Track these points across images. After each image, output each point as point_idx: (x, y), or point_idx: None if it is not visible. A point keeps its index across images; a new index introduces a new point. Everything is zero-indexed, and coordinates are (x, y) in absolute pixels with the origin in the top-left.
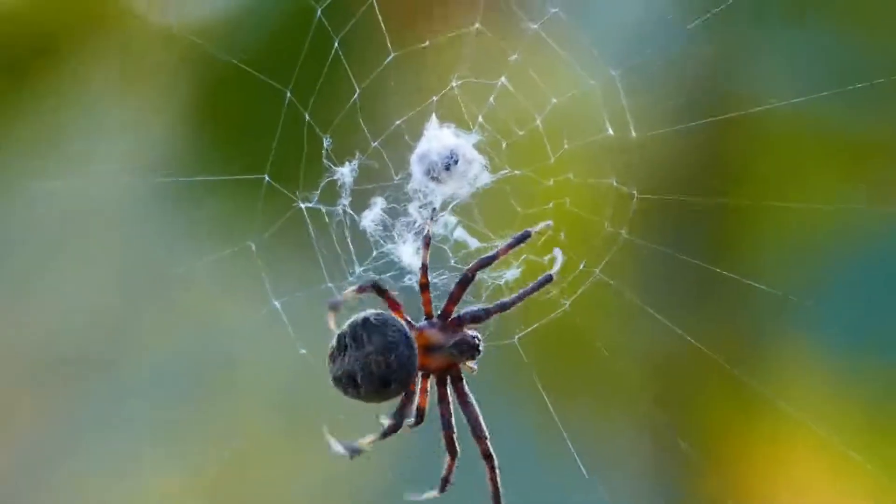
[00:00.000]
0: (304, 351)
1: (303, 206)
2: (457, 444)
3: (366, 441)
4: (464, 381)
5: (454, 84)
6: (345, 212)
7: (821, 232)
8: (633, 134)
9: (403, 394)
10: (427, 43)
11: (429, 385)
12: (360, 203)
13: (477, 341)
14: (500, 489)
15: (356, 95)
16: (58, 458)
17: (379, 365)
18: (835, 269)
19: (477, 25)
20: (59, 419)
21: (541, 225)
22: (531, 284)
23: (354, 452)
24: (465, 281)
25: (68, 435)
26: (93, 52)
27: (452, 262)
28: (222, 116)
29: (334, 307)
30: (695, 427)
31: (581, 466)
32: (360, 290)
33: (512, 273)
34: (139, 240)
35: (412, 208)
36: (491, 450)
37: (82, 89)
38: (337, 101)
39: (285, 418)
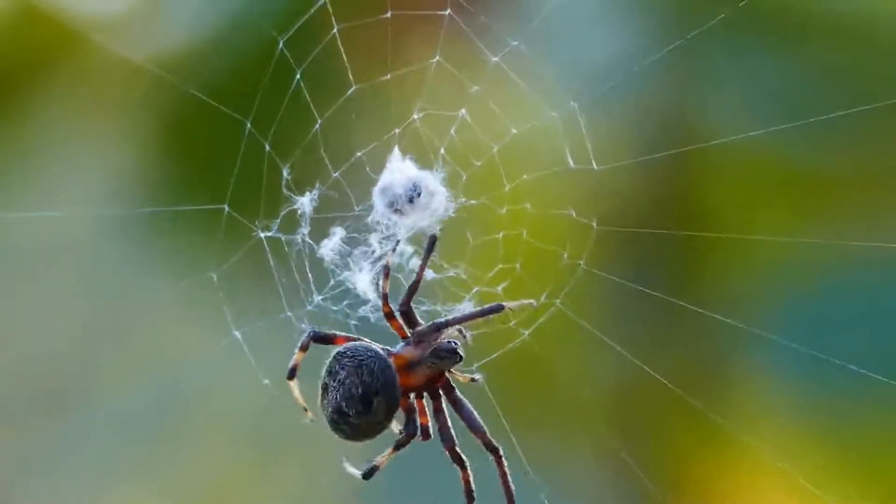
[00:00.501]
0: (266, 381)
1: (262, 235)
2: (462, 455)
3: (382, 458)
4: (455, 390)
5: (416, 116)
6: (304, 241)
7: (780, 264)
8: (594, 166)
9: (402, 410)
10: (389, 76)
11: (425, 404)
12: (321, 233)
13: (453, 345)
14: (511, 482)
15: (317, 126)
16: (21, 495)
17: (355, 385)
18: (793, 301)
19: (437, 58)
20: (22, 455)
21: (519, 303)
22: (482, 308)
23: (371, 471)
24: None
25: (31, 472)
26: (56, 85)
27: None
28: (184, 148)
29: (291, 376)
30: (655, 458)
31: (543, 499)
32: (304, 348)
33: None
34: (101, 272)
35: (373, 238)
36: (493, 441)
37: (44, 123)
38: (298, 133)
39: (252, 448)
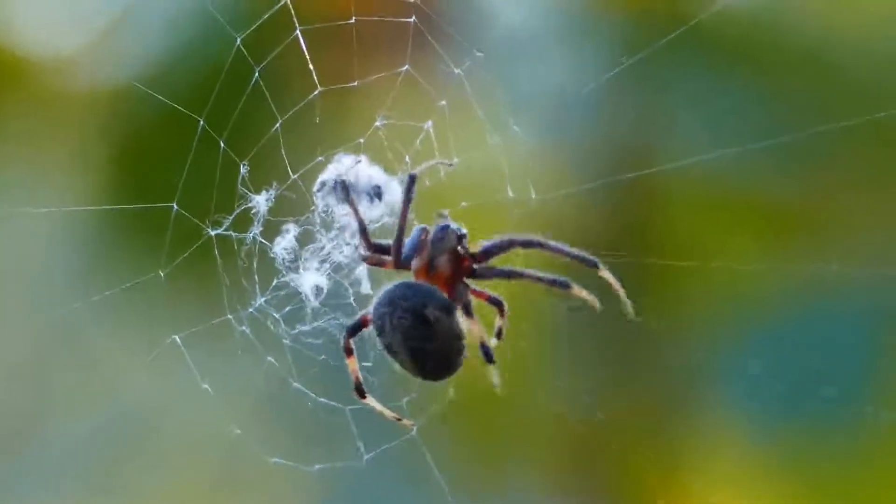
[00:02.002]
0: (206, 385)
1: (212, 233)
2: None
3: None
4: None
5: (378, 123)
6: (255, 239)
7: (739, 292)
8: (533, 195)
9: (461, 308)
10: (356, 82)
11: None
12: (277, 233)
13: (442, 226)
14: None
15: (277, 126)
16: None
17: (404, 318)
18: (751, 333)
19: (406, 67)
20: None
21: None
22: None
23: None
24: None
25: None
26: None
27: (351, 299)
28: (137, 148)
29: (361, 393)
30: (615, 491)
31: None
32: (350, 352)
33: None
34: (40, 276)
35: (324, 238)
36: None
37: None
38: (258, 134)
39: (200, 459)
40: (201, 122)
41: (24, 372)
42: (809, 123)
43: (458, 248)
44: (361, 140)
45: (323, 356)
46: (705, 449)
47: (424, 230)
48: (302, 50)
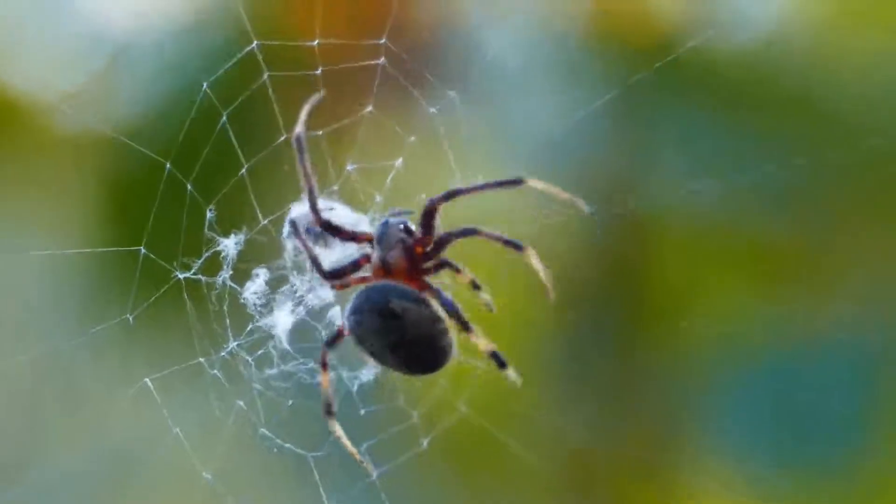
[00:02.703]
0: (177, 430)
1: (181, 276)
2: (467, 320)
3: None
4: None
5: (349, 168)
6: (225, 283)
7: (728, 334)
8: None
9: (429, 295)
10: (321, 132)
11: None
12: (247, 277)
13: (387, 220)
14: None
15: (243, 171)
16: None
17: (372, 321)
18: (744, 371)
19: (370, 108)
20: None
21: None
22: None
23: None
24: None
25: None
26: None
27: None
28: (107, 190)
29: (329, 412)
30: None
31: None
32: (325, 366)
33: (367, 373)
34: (11, 320)
35: (296, 279)
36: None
37: None
38: (227, 179)
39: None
40: (167, 166)
41: (5, 409)
42: (800, 162)
43: (404, 237)
44: (335, 187)
45: (291, 401)
46: (698, 488)
47: (361, 233)
48: (269, 96)
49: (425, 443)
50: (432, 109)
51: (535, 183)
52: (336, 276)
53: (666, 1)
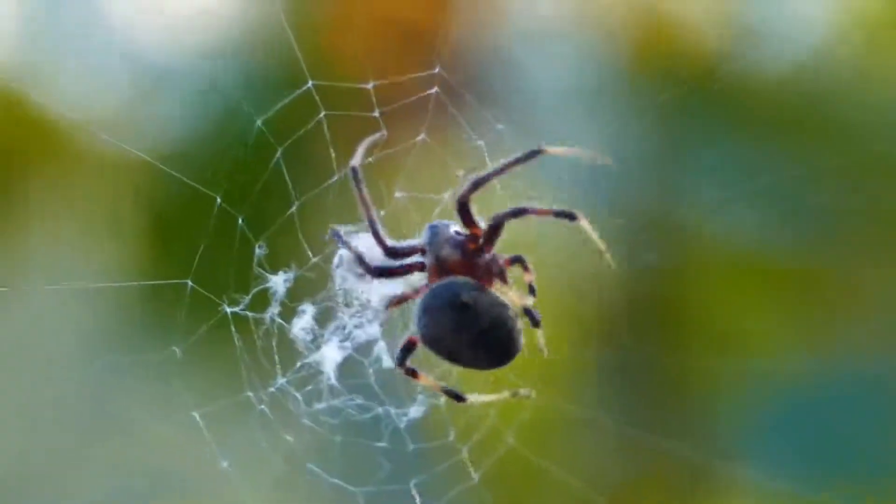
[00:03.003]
0: (225, 463)
1: (228, 311)
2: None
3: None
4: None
5: (397, 195)
6: (273, 320)
7: (767, 368)
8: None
9: (500, 283)
10: (371, 159)
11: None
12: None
13: (434, 225)
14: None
15: (293, 208)
16: None
17: (445, 317)
18: (780, 407)
19: (422, 136)
20: None
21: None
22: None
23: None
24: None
25: None
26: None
27: (372, 380)
28: (155, 221)
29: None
30: None
31: None
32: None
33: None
34: (62, 349)
35: (345, 314)
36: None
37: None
38: (275, 214)
39: None
40: (218, 200)
41: (51, 438)
42: (836, 193)
43: (455, 236)
44: (382, 212)
45: (339, 437)
46: None
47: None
48: (324, 133)
49: (476, 477)
50: (480, 142)
51: (553, 149)
52: (384, 274)
53: (704, 28)
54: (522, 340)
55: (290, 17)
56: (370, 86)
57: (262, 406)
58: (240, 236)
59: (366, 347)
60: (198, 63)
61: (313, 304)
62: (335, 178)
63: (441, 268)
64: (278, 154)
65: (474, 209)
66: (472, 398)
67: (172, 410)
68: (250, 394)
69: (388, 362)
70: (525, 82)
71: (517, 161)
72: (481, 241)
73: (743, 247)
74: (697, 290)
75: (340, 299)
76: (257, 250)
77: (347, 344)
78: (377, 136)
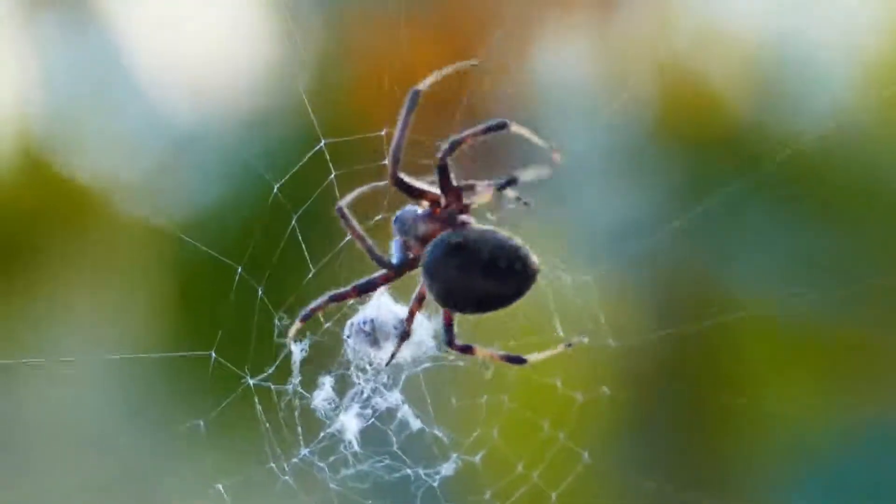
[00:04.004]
0: None
1: (251, 382)
2: None
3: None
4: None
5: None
6: (295, 391)
7: (802, 434)
8: (611, 342)
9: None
10: (380, 217)
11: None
12: (310, 377)
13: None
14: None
15: (309, 275)
16: None
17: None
18: (814, 472)
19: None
20: None
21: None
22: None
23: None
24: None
25: None
26: (58, 243)
27: (396, 447)
28: (177, 291)
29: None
30: None
31: None
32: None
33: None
34: (85, 422)
35: (360, 380)
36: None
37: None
38: (293, 281)
39: None
40: (239, 270)
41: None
42: (876, 265)
43: (418, 212)
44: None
45: (370, 501)
46: None
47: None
48: (335, 194)
49: None
50: (511, 205)
51: (516, 128)
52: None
53: (739, 93)
54: (534, 256)
55: (309, 83)
56: (383, 132)
57: (286, 477)
58: (259, 306)
59: (388, 415)
60: (219, 129)
61: (330, 374)
62: (346, 239)
63: (426, 242)
64: (293, 222)
65: (453, 173)
66: (532, 358)
67: (197, 482)
68: (272, 465)
69: (416, 424)
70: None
71: (487, 129)
72: (442, 197)
73: (778, 312)
74: (730, 355)
75: (353, 368)
76: (277, 322)
77: (368, 411)
78: (377, 184)
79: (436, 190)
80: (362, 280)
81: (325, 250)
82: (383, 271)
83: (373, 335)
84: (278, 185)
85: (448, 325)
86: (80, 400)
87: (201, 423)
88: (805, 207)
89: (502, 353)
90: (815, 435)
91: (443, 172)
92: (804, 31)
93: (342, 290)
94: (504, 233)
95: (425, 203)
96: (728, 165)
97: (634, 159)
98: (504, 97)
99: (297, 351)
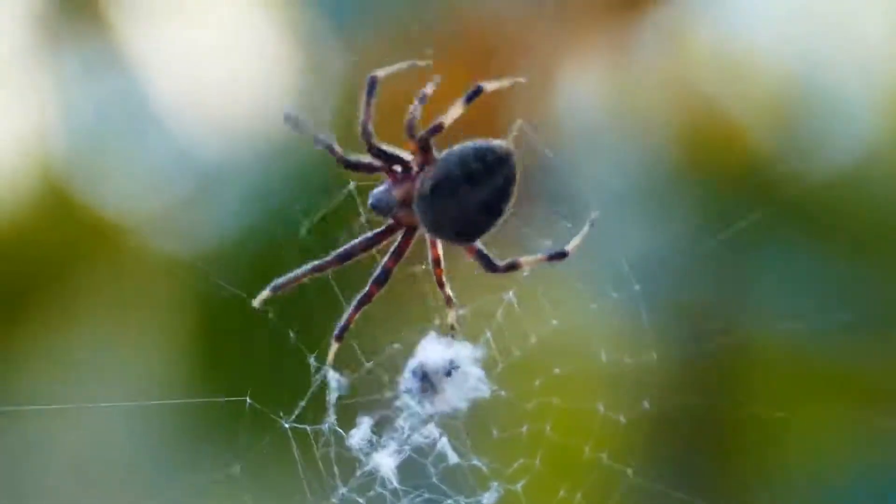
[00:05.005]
0: None
1: (287, 425)
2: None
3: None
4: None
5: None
6: (332, 430)
7: (819, 466)
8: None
9: None
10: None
11: None
12: (348, 415)
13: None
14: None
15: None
16: None
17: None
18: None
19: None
20: None
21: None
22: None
23: None
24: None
25: None
26: (85, 279)
27: (435, 478)
28: (211, 340)
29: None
30: None
31: None
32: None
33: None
34: (121, 467)
35: (402, 421)
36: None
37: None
38: (326, 322)
39: None
40: (270, 315)
41: None
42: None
43: (389, 189)
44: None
45: None
46: None
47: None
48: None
49: None
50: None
51: (491, 85)
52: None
53: (761, 128)
54: (496, 140)
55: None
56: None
57: None
58: (293, 347)
59: (424, 450)
60: (246, 163)
61: (369, 415)
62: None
63: (409, 205)
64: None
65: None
66: (572, 245)
67: None
68: None
69: (454, 458)
70: (576, 182)
71: (468, 100)
72: (415, 165)
73: (805, 350)
74: (752, 390)
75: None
76: (312, 361)
77: (406, 448)
78: (420, 62)
79: (406, 154)
80: (342, 248)
81: (356, 285)
82: (362, 237)
83: (426, 382)
84: (307, 227)
85: (478, 254)
86: (107, 443)
87: (238, 468)
88: (830, 240)
89: (544, 254)
90: (840, 465)
91: (410, 130)
92: (828, 64)
93: (322, 260)
94: (458, 144)
95: (389, 174)
96: (751, 197)
97: (656, 192)
98: (526, 128)
99: (336, 387)
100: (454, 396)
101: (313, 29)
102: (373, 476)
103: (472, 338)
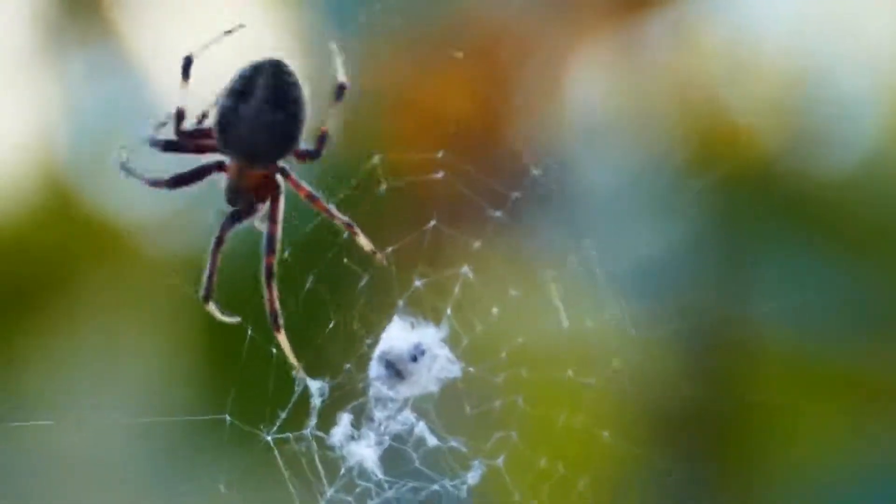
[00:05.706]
0: None
1: (269, 438)
2: None
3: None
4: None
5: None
6: (313, 435)
7: (823, 474)
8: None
9: None
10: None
11: None
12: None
13: None
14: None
15: (331, 325)
16: None
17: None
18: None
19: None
20: None
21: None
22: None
23: None
24: None
25: None
26: (86, 286)
27: (417, 463)
28: (195, 353)
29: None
30: None
31: None
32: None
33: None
34: (105, 486)
35: (379, 413)
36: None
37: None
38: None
39: None
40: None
41: None
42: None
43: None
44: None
45: None
46: None
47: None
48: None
49: None
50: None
51: (341, 77)
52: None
53: (766, 129)
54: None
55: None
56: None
57: None
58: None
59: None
60: None
61: (347, 411)
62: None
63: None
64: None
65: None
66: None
67: None
68: None
69: (433, 441)
70: (579, 182)
71: (336, 100)
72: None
73: (807, 350)
74: (759, 391)
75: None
76: (296, 374)
77: (386, 438)
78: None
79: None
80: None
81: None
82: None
83: (393, 369)
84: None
85: (302, 156)
86: (96, 456)
87: (221, 486)
88: (833, 238)
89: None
90: (840, 464)
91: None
92: (837, 68)
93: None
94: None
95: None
96: (756, 195)
97: (662, 196)
98: (532, 131)
99: (318, 397)
100: (424, 379)
101: (315, 29)
102: (357, 471)
103: (434, 317)
